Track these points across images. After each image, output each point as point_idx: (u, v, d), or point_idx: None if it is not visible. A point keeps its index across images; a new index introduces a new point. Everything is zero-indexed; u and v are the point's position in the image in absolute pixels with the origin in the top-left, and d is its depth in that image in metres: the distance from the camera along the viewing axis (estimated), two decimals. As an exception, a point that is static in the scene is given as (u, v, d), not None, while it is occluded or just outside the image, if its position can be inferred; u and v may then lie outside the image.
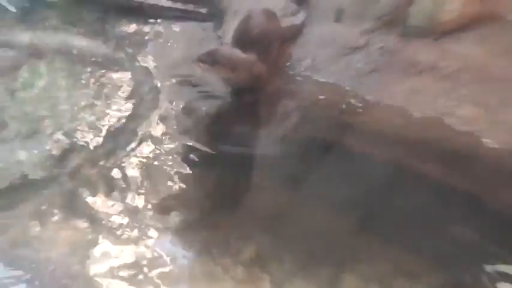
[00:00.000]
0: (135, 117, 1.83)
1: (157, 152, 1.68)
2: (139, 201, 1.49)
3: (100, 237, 1.37)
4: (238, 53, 1.87)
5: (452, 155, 1.62)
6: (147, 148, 1.70)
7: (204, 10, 2.59)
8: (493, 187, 1.52)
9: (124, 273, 1.27)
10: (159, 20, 2.54)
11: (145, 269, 1.28)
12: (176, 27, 2.51)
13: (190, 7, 2.61)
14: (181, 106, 1.91)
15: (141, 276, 1.26)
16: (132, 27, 2.49)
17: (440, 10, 1.88)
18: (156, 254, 1.32)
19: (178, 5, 2.62)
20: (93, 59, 2.19)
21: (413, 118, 1.74)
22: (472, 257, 1.34)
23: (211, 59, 1.79)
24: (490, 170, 1.56)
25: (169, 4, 2.63)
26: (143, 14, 2.55)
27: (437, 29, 1.90)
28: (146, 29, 2.48)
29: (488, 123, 1.62)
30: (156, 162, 1.63)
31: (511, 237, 1.39)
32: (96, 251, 1.33)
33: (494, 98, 1.67)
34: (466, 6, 1.89)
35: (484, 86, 1.70)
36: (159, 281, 1.25)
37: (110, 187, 1.53)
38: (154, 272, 1.28)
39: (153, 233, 1.39)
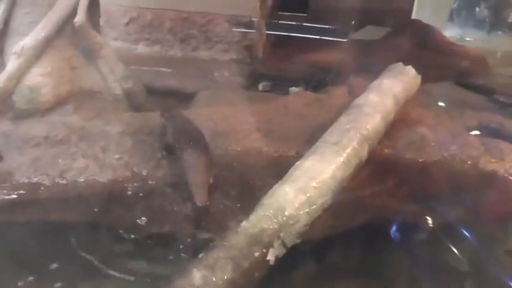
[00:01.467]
0: None
1: None
2: None
3: None
4: None
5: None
6: None
7: None
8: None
9: None
10: None
11: None
12: None
13: None
14: None
15: None
16: None
17: (38, 94, 2.36)
18: None
19: None
20: None
21: (42, 182, 2.09)
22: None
23: None
24: (103, 200, 2.08)
25: None
26: None
27: (41, 108, 2.36)
28: None
29: (98, 167, 2.16)
30: None
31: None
32: None
33: (98, 148, 2.23)
34: (58, 87, 2.45)
35: (87, 142, 2.24)
36: None
37: None
38: None
39: None
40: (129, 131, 2.29)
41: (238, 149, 2.29)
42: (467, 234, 2.10)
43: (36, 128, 2.26)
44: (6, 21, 2.57)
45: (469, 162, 2.34)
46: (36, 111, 2.34)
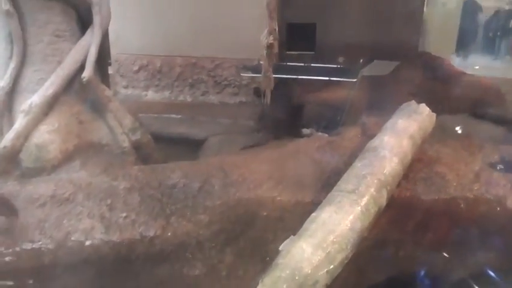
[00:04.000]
0: None
1: None
2: None
3: None
4: None
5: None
6: None
7: None
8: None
9: None
10: None
11: None
12: None
13: None
14: None
15: None
16: None
17: (45, 151, 2.32)
18: None
19: None
20: None
21: (48, 246, 2.02)
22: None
23: None
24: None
25: None
26: None
27: (48, 165, 2.32)
28: None
29: (104, 228, 2.08)
30: None
31: None
32: None
33: (104, 207, 2.15)
34: (66, 143, 2.41)
35: (94, 200, 2.17)
36: None
37: None
38: None
39: None
40: (137, 185, 2.21)
41: (251, 199, 2.19)
42: (499, 280, 1.94)
43: (43, 187, 2.20)
44: (16, 79, 2.58)
45: (495, 202, 2.19)
46: (44, 169, 2.29)
